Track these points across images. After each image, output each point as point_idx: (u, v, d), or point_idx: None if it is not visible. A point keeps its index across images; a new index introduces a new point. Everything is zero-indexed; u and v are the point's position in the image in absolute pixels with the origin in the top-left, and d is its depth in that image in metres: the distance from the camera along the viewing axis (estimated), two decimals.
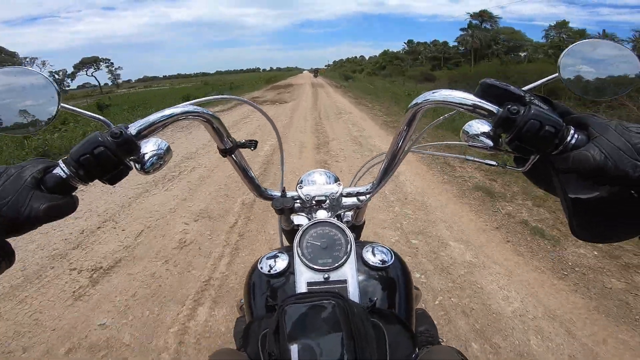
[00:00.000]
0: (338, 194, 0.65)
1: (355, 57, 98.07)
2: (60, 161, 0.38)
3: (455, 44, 43.29)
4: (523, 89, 0.39)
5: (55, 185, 0.37)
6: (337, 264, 0.51)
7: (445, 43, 47.77)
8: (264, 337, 0.47)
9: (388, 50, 54.23)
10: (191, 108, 0.47)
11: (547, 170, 0.38)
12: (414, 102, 0.47)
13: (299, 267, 0.52)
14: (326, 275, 0.50)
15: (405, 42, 52.15)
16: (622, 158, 0.30)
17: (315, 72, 46.65)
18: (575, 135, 0.34)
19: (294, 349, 0.39)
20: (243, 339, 0.51)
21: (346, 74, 23.68)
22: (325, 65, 79.42)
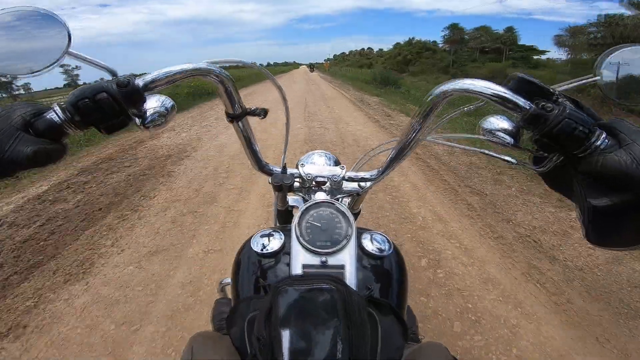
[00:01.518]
0: (340, 177, 0.64)
1: (363, 48, 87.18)
2: (54, 104, 0.36)
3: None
4: (554, 86, 0.39)
5: (45, 129, 0.36)
6: (336, 248, 0.50)
7: (510, 29, 36.81)
8: (251, 320, 0.44)
9: (413, 38, 41.58)
10: (204, 65, 0.45)
11: (565, 173, 0.38)
12: (438, 89, 0.44)
13: (296, 247, 0.50)
14: (324, 259, 0.49)
15: (447, 27, 38.71)
16: None
17: (312, 67, 44.55)
18: (605, 140, 0.34)
19: (285, 334, 0.38)
20: (227, 321, 0.48)
21: (383, 73, 14.46)
22: (326, 60, 70.57)
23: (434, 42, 40.36)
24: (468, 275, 1.80)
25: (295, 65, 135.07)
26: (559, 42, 21.22)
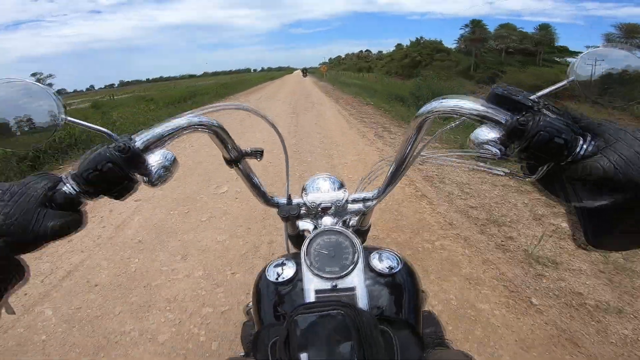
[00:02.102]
0: (344, 201, 0.66)
1: (361, 50, 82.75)
2: (63, 176, 0.39)
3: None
4: (537, 94, 0.40)
5: (64, 202, 0.38)
6: (344, 272, 0.52)
7: (546, 26, 30.50)
8: (273, 345, 0.48)
9: (422, 38, 36.79)
10: (196, 119, 0.48)
11: (559, 179, 0.38)
12: (420, 110, 0.47)
13: (307, 275, 0.53)
14: (334, 283, 0.51)
15: (468, 24, 34.03)
16: (631, 168, 0.31)
17: (305, 72, 44.13)
18: (584, 146, 0.35)
19: (304, 357, 0.41)
20: (252, 346, 0.52)
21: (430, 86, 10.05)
22: (322, 64, 68.25)
23: (440, 42, 36.68)
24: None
25: (289, 70, 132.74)
26: (609, 40, 19.96)
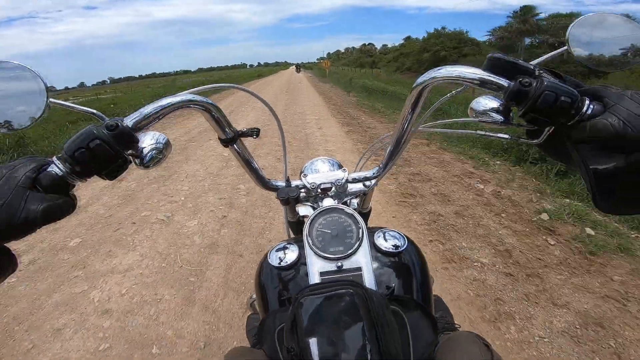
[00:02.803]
0: (344, 180, 0.65)
1: (364, 44, 75.06)
2: (54, 158, 0.37)
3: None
4: (531, 63, 0.40)
5: (51, 184, 0.36)
6: (349, 251, 0.51)
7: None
8: (280, 332, 0.47)
9: (444, 29, 31.07)
10: (189, 97, 0.47)
11: (563, 142, 0.38)
12: (419, 80, 0.47)
13: (311, 257, 0.52)
14: (339, 264, 0.50)
15: (519, 9, 27.30)
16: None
17: (298, 67, 42.86)
18: (591, 105, 0.34)
19: (313, 342, 0.39)
20: (257, 336, 0.51)
21: None
22: (320, 59, 60.33)
23: (465, 32, 31.45)
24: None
25: (285, 66, 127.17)
26: None
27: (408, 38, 41.15)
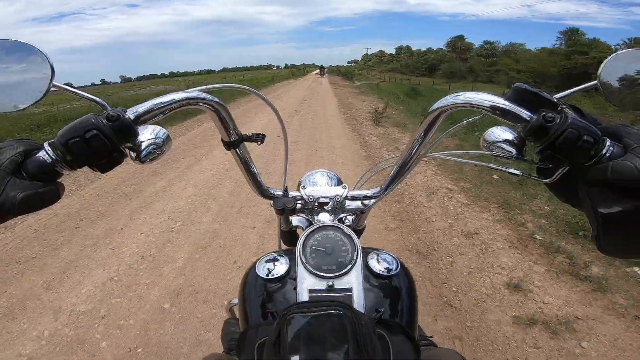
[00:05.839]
0: (343, 197, 0.65)
1: (401, 45, 73.07)
2: (45, 143, 0.36)
3: None
4: (555, 96, 0.39)
5: (37, 171, 0.35)
6: (342, 271, 0.50)
7: (575, 30, 24.77)
8: (260, 346, 0.47)
9: (580, 33, 28.04)
10: (196, 94, 0.46)
11: (571, 183, 0.38)
12: (437, 104, 0.46)
13: (302, 273, 0.51)
14: (330, 283, 0.50)
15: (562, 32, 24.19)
16: None
17: (322, 70, 40.91)
18: (611, 147, 0.34)
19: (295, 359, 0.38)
20: (238, 346, 0.51)
21: None
22: (349, 62, 58.09)
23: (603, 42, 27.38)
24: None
25: (312, 68, 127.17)
26: None
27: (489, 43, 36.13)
